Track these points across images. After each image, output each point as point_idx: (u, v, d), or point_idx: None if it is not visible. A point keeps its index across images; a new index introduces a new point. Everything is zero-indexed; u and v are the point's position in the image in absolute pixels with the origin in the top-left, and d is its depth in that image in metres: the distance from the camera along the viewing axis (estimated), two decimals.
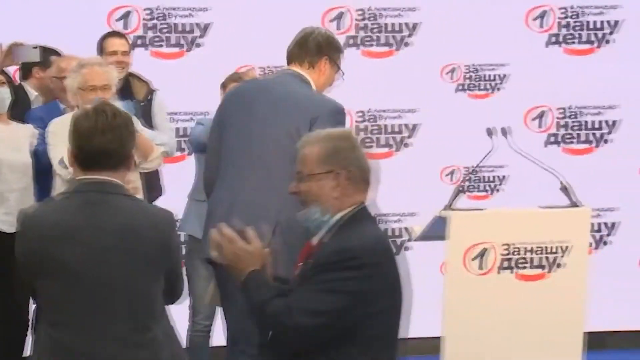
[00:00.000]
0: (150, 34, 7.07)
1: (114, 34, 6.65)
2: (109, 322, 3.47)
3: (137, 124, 5.80)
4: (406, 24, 7.39)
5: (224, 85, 6.12)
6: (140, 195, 5.20)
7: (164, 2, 7.15)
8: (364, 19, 7.35)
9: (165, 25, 7.16)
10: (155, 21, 7.15)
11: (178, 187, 6.34)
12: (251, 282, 3.24)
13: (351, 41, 7.37)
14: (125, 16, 7.11)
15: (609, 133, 7.61)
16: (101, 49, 6.36)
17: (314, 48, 5.14)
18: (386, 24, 7.39)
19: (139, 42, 7.01)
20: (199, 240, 5.76)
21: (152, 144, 5.96)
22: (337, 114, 4.98)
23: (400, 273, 3.29)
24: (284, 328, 3.13)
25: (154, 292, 3.53)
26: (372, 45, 7.27)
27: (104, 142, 3.48)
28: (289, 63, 5.19)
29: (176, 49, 7.06)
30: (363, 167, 3.31)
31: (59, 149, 5.38)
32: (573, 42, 7.62)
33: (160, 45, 7.02)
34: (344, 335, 3.13)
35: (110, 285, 3.47)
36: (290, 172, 4.83)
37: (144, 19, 7.15)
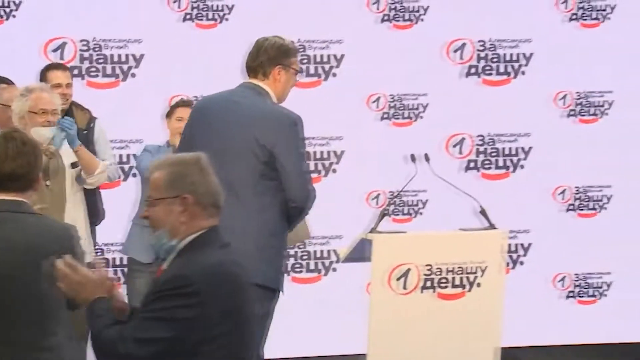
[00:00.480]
0: (86, 64, 6.98)
1: (56, 66, 6.53)
2: (16, 328, 3.56)
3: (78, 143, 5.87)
4: (333, 55, 7.40)
5: (169, 114, 6.10)
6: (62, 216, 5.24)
7: (99, 34, 7.07)
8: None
9: (100, 56, 7.08)
10: (91, 52, 7.06)
11: (118, 211, 6.29)
12: (93, 310, 3.15)
13: None
14: (61, 47, 7.01)
15: (524, 159, 7.67)
16: (44, 81, 6.23)
17: (265, 59, 5.14)
18: (315, 55, 7.41)
19: (75, 72, 6.90)
20: (140, 263, 5.76)
21: (97, 160, 5.95)
22: (295, 126, 5.00)
23: (246, 297, 3.21)
24: (118, 356, 3.05)
25: (58, 301, 3.55)
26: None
27: (14, 166, 3.62)
28: (248, 75, 5.18)
29: (111, 79, 6.99)
30: (211, 191, 3.23)
31: None
32: (490, 73, 7.67)
33: (96, 75, 6.93)
34: None
35: (17, 296, 3.56)
36: (258, 192, 4.89)
37: (80, 50, 7.06)
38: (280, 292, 5.17)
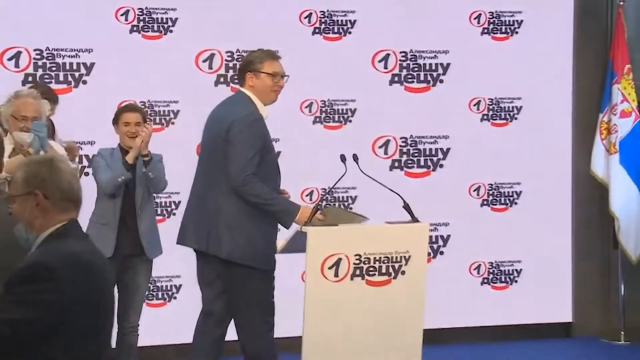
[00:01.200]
0: (40, 71, 6.90)
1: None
2: None
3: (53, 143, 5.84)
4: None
5: (116, 120, 6.07)
6: None
7: (52, 43, 6.98)
8: (232, 60, 7.35)
9: (54, 64, 7.00)
10: (45, 60, 6.98)
11: None
12: None
13: (222, 79, 7.37)
14: (17, 56, 6.90)
15: (443, 159, 7.73)
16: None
17: (240, 69, 5.55)
18: None
19: (30, 79, 6.85)
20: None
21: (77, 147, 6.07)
22: (246, 117, 5.21)
23: (102, 285, 3.22)
24: None
25: None
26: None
27: None
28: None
29: (64, 85, 6.92)
30: (62, 188, 3.22)
31: None
32: (412, 82, 7.69)
33: (50, 82, 6.85)
34: (39, 343, 3.03)
35: None
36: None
37: (34, 59, 6.97)
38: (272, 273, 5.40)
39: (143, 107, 7.06)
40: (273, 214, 5.32)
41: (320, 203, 5.37)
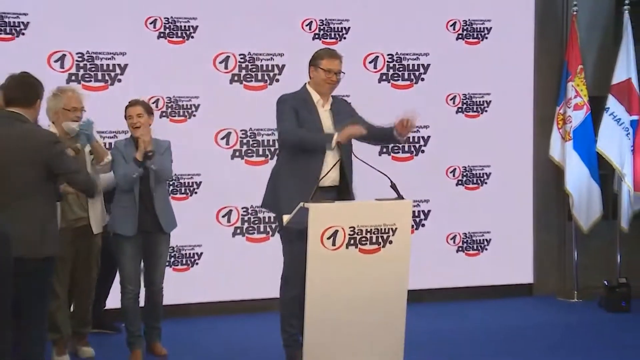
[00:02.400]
0: (81, 72, 6.86)
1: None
2: None
3: (96, 135, 5.94)
4: (276, 65, 7.41)
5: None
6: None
7: (91, 47, 6.94)
8: (245, 62, 7.30)
9: (93, 66, 6.95)
10: (85, 62, 6.94)
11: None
12: None
13: (235, 78, 7.33)
14: (62, 58, 6.86)
15: (424, 146, 7.70)
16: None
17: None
18: (261, 65, 7.41)
19: (73, 78, 6.80)
20: (124, 236, 5.73)
21: (106, 152, 5.92)
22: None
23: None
24: None
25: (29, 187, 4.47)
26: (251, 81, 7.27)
27: (17, 92, 4.62)
28: None
29: (101, 84, 6.88)
30: None
31: None
32: (398, 80, 7.67)
33: (90, 81, 6.83)
34: None
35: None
36: None
37: (76, 61, 6.93)
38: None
39: (169, 101, 7.10)
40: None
41: (319, 185, 5.30)
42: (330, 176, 5.38)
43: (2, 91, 4.93)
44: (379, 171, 5.32)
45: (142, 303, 5.99)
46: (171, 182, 6.88)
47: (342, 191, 5.51)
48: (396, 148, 7.54)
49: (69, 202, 5.71)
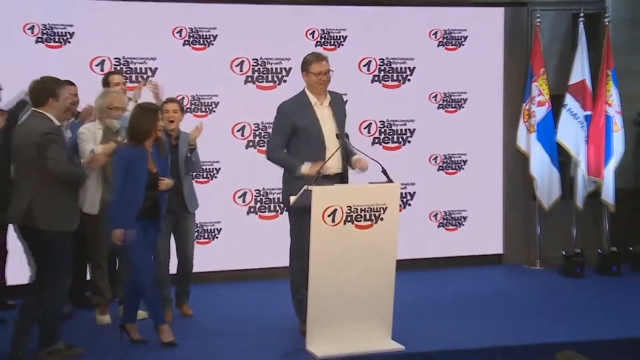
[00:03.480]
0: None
1: (115, 71, 6.51)
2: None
3: None
4: (284, 69, 7.37)
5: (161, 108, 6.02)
6: None
7: (127, 53, 6.96)
8: (257, 65, 7.26)
9: (128, 69, 6.95)
10: (121, 66, 6.94)
11: None
12: None
13: (249, 79, 7.28)
14: (101, 63, 6.87)
15: (410, 137, 7.67)
16: (107, 82, 6.16)
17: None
18: (272, 68, 7.35)
19: None
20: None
21: None
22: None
23: None
24: None
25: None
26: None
27: (36, 92, 4.86)
28: None
29: (135, 84, 6.84)
30: None
31: (89, 144, 5.56)
32: (388, 80, 7.63)
33: (125, 82, 6.79)
34: None
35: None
36: None
37: (114, 65, 6.93)
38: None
39: (192, 99, 7.07)
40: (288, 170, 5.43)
41: (319, 171, 5.27)
42: (333, 165, 5.35)
43: None
44: (372, 159, 5.32)
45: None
46: None
47: (345, 178, 5.49)
48: (386, 139, 7.54)
49: (104, 189, 5.70)
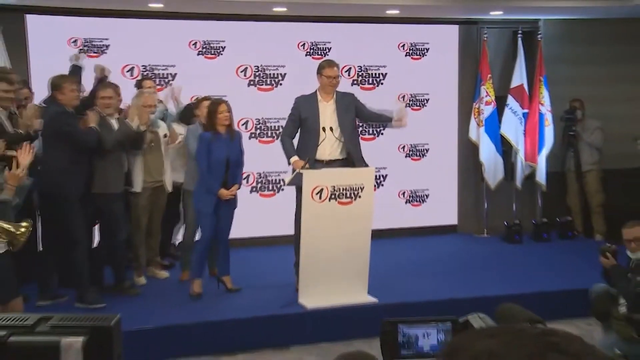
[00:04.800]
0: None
1: (147, 77, 6.50)
2: None
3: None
4: (280, 74, 7.37)
5: (196, 105, 5.95)
6: None
7: (152, 61, 6.93)
8: (258, 71, 7.25)
9: (152, 74, 6.91)
10: (147, 72, 6.92)
11: None
12: None
13: (252, 83, 7.28)
14: (131, 69, 6.83)
15: (383, 129, 7.68)
16: (140, 85, 6.18)
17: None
18: (270, 73, 7.36)
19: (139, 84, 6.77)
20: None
21: (177, 135, 6.09)
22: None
23: None
24: None
25: None
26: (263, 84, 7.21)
27: None
28: None
29: (159, 86, 6.84)
30: None
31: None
32: (365, 84, 7.65)
33: (155, 85, 6.79)
34: None
35: None
36: None
37: (141, 71, 6.92)
38: None
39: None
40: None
41: (310, 158, 5.31)
42: (325, 152, 5.38)
43: None
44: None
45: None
46: None
47: (348, 164, 5.43)
48: (363, 131, 7.55)
49: (149, 169, 5.75)
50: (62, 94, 5.21)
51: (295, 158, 5.32)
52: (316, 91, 5.50)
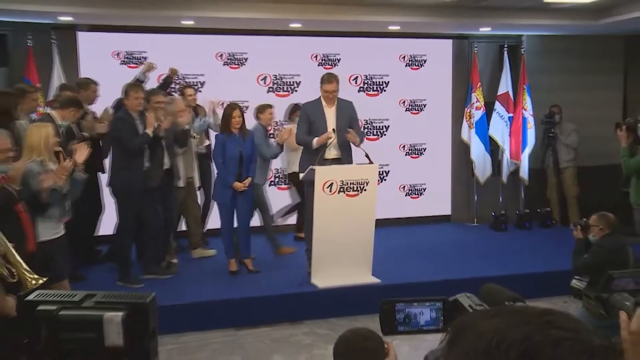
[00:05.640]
0: (177, 86, 6.79)
1: (188, 85, 6.48)
2: None
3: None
4: (295, 81, 7.36)
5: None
6: None
7: (184, 70, 6.83)
8: (276, 79, 7.24)
9: (184, 82, 6.88)
10: (180, 80, 6.88)
11: None
12: None
13: (270, 90, 7.27)
14: (167, 79, 6.61)
15: (385, 131, 7.69)
16: (182, 93, 6.21)
17: None
18: (286, 81, 7.34)
19: (173, 90, 6.74)
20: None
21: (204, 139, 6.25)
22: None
23: None
24: None
25: None
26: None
27: None
28: None
29: (192, 91, 6.83)
30: None
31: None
32: (369, 90, 7.62)
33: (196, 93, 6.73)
34: None
35: None
36: None
37: (176, 81, 6.88)
38: None
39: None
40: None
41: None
42: (331, 152, 5.40)
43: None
44: (360, 148, 5.36)
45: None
46: None
47: (343, 162, 5.45)
48: (369, 132, 7.52)
49: (185, 166, 5.81)
50: (127, 100, 5.25)
51: (316, 139, 5.30)
52: (319, 98, 5.48)
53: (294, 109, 6.64)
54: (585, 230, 4.26)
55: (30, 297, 1.04)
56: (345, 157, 5.45)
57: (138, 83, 5.71)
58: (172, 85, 6.58)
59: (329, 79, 5.44)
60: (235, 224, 5.66)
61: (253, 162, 5.59)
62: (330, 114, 5.44)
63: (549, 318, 0.61)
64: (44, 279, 2.89)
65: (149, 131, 5.19)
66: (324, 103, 5.45)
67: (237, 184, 5.42)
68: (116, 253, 5.47)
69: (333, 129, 5.36)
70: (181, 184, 5.80)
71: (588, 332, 0.59)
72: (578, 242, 4.27)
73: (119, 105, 5.63)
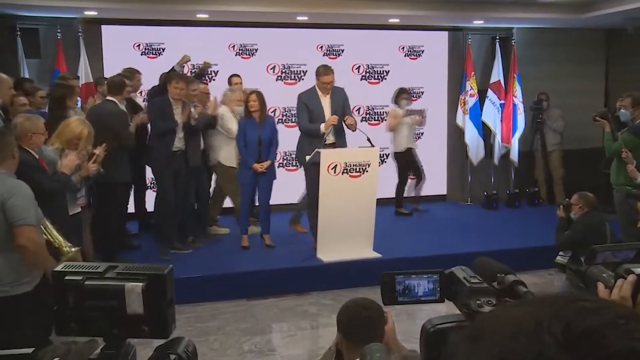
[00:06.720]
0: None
1: (235, 74, 6.36)
2: None
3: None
4: (302, 71, 7.29)
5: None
6: None
7: (198, 61, 6.59)
8: (284, 69, 7.19)
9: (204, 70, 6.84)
10: (195, 70, 6.78)
11: None
12: None
13: (279, 78, 7.22)
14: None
15: (386, 116, 7.57)
16: (230, 81, 6.21)
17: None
18: (295, 70, 7.27)
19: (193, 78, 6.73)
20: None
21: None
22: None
23: None
24: None
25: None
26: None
27: None
28: None
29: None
30: None
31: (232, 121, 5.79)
32: (371, 79, 7.58)
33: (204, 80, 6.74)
34: None
35: None
36: None
37: (190, 69, 6.84)
38: None
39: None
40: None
41: (325, 138, 5.27)
42: (330, 138, 5.37)
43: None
44: (361, 131, 5.34)
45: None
46: None
47: (337, 147, 5.42)
48: (370, 118, 7.51)
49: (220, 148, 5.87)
50: (170, 87, 5.30)
51: (322, 125, 5.26)
52: (314, 87, 5.42)
53: (400, 92, 6.73)
54: (567, 209, 4.29)
55: (59, 267, 1.04)
56: (339, 142, 5.42)
57: (178, 73, 5.69)
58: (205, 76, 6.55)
59: (325, 71, 5.35)
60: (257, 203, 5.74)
61: (273, 145, 5.54)
62: (326, 102, 5.41)
63: (569, 297, 0.56)
64: (78, 248, 3.05)
65: (179, 120, 5.25)
66: (319, 92, 5.40)
67: (256, 165, 5.42)
68: (160, 227, 5.47)
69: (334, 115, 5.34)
70: (231, 163, 5.78)
71: (610, 302, 0.56)
72: (561, 220, 4.33)
73: (155, 91, 5.69)
